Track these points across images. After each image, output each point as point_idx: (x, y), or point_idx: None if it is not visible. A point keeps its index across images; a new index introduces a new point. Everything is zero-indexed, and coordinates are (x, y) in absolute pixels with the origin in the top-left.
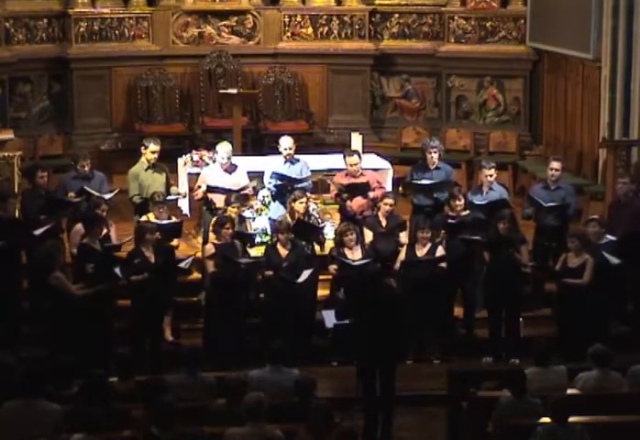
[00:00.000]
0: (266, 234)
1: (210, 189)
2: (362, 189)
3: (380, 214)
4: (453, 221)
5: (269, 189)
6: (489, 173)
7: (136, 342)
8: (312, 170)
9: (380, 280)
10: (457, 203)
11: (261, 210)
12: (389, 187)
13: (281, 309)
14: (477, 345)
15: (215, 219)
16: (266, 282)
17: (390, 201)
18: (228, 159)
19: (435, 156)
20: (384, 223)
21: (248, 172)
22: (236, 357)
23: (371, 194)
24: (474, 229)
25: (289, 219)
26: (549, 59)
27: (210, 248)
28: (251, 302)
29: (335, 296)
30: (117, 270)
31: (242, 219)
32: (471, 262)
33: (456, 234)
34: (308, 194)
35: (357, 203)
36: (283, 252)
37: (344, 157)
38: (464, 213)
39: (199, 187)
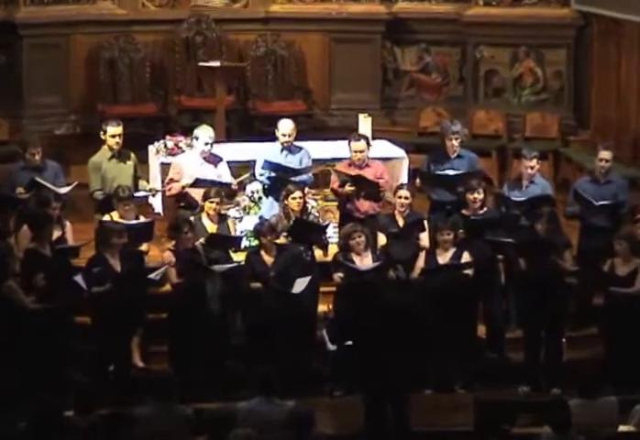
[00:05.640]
0: (255, 237)
1: (198, 183)
2: (370, 186)
3: (396, 211)
4: (476, 218)
5: (261, 182)
6: (530, 164)
7: (98, 367)
8: (313, 160)
9: (390, 290)
10: (475, 196)
11: (250, 208)
12: (404, 180)
13: (272, 327)
14: (510, 371)
15: (169, 223)
16: (252, 295)
17: (405, 192)
18: (211, 146)
19: (457, 142)
20: (401, 222)
21: (236, 162)
22: (215, 385)
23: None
24: (503, 229)
25: (274, 219)
26: (599, 24)
27: (169, 256)
28: (232, 318)
29: (325, 316)
30: (80, 280)
31: (223, 218)
32: (497, 270)
33: (478, 235)
34: (307, 189)
35: (363, 203)
36: (268, 259)
37: (349, 142)
38: (482, 211)
39: (172, 180)
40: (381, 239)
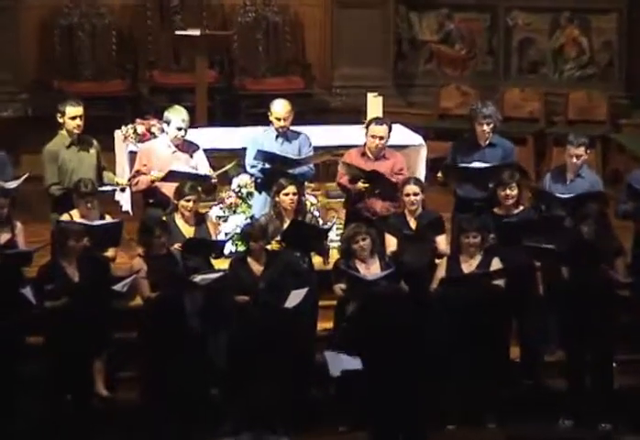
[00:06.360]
0: (243, 241)
1: (171, 176)
2: (387, 185)
3: (406, 211)
4: (509, 218)
5: (252, 175)
6: (576, 152)
7: (53, 397)
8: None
9: (402, 303)
10: (508, 192)
11: (236, 205)
12: (421, 173)
13: (262, 349)
14: (550, 401)
15: (140, 224)
16: (238, 310)
17: (413, 188)
18: (185, 131)
19: (488, 128)
20: (413, 223)
21: (219, 150)
22: (195, 418)
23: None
24: (542, 232)
25: (263, 220)
26: None
27: (139, 264)
28: (215, 338)
29: (340, 328)
30: (28, 293)
31: (201, 219)
32: (534, 281)
33: (512, 239)
34: (306, 184)
35: (375, 202)
36: (257, 268)
37: (367, 126)
38: (517, 210)
39: (138, 172)
40: (390, 244)
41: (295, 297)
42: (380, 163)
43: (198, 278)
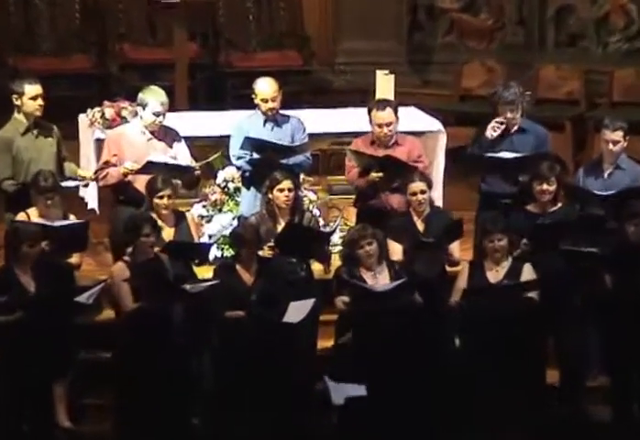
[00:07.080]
0: (232, 244)
1: (149, 167)
2: (405, 171)
3: (412, 211)
4: (543, 220)
5: (239, 167)
6: (613, 137)
7: (6, 428)
8: (311, 135)
9: (417, 319)
10: (545, 187)
11: (222, 203)
12: (440, 164)
13: (255, 371)
14: (592, 431)
15: (125, 222)
16: (228, 326)
17: (420, 185)
18: (163, 116)
19: (512, 115)
20: (420, 225)
21: (202, 138)
22: None
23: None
24: (582, 234)
25: (254, 220)
26: None
27: (121, 269)
28: (200, 358)
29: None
30: None
31: (181, 218)
32: (573, 292)
33: (547, 242)
34: (302, 176)
35: (391, 197)
36: (247, 277)
37: (369, 111)
38: (554, 207)
39: (107, 163)
40: (394, 250)
41: (299, 310)
42: (393, 151)
43: (188, 286)
